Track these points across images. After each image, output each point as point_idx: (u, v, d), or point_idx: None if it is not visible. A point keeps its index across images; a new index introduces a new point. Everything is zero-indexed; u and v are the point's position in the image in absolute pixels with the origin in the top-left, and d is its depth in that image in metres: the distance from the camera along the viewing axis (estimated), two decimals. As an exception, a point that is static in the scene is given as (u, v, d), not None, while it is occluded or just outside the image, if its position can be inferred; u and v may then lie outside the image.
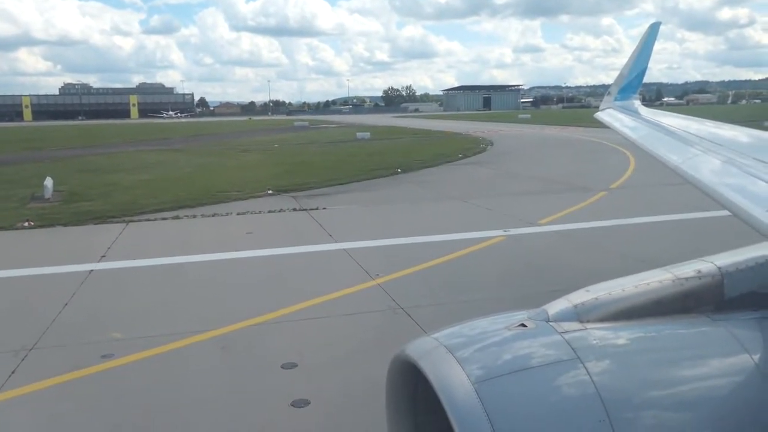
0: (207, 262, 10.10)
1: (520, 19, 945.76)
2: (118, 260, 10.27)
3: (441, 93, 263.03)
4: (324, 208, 14.95)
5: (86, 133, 73.98)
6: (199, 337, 6.72)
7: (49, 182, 18.39)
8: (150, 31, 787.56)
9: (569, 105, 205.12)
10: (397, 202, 16.28)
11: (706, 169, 3.34)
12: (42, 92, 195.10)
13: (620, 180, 18.87)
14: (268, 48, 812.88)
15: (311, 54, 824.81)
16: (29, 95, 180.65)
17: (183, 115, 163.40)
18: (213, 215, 14.55)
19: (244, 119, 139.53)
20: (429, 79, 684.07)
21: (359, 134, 47.67)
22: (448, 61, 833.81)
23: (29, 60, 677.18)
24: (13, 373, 5.91)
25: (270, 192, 17.99)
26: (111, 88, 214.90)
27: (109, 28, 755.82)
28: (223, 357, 6.26)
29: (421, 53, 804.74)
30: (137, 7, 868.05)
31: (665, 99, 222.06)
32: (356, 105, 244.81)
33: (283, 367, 5.89)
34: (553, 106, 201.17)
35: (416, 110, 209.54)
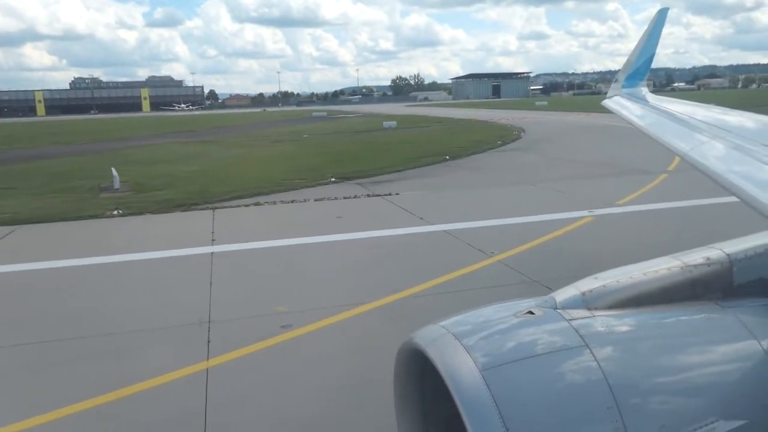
0: (318, 244, 10.57)
1: (524, 6, 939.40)
2: (230, 243, 10.74)
3: (449, 81, 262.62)
4: (397, 194, 15.38)
5: (107, 126, 74.68)
6: (364, 308, 7.18)
7: (116, 174, 18.89)
8: (154, 24, 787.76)
9: (580, 92, 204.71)
10: (466, 188, 16.71)
11: (714, 156, 3.37)
12: (48, 87, 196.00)
13: (674, 163, 19.18)
14: (272, 39, 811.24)
15: (315, 44, 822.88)
16: (42, 90, 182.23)
17: (194, 107, 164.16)
18: (291, 201, 15.01)
19: (257, 111, 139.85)
20: (434, 67, 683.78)
21: (385, 123, 48.03)
22: (453, 49, 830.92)
23: (35, 55, 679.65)
24: (209, 342, 6.41)
25: (333, 180, 18.45)
26: (121, 82, 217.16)
27: (114, 22, 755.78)
28: (392, 325, 6.71)
29: (426, 42, 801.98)
30: (138, 0, 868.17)
31: (675, 84, 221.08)
32: (365, 95, 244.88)
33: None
34: (564, 93, 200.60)
35: (425, 99, 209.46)
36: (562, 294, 2.03)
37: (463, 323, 1.95)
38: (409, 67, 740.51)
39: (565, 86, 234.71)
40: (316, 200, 15.06)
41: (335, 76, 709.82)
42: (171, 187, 18.25)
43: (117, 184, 18.39)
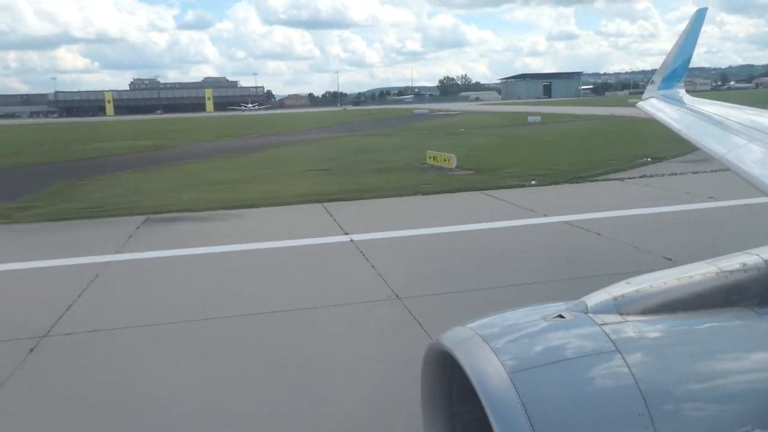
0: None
1: (553, 6, 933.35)
2: (731, 200, 12.94)
3: (498, 81, 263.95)
4: None
5: (228, 124, 78.01)
6: None
7: (453, 155, 21.14)
8: (184, 26, 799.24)
9: (635, 91, 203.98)
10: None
11: (752, 159, 3.33)
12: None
13: None
14: (300, 41, 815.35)
15: (343, 46, 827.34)
16: (111, 90, 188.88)
17: (260, 107, 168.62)
18: (672, 174, 17.28)
19: (337, 109, 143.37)
20: (461, 68, 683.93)
21: (530, 118, 50.30)
22: (481, 50, 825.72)
23: (68, 57, 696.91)
24: None
25: (649, 159, 20.66)
26: (179, 83, 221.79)
27: (146, 25, 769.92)
28: None
29: (453, 43, 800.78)
30: (170, 3, 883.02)
31: (731, 83, 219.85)
32: (417, 95, 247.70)
33: None
34: (619, 93, 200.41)
35: (477, 99, 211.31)
36: (594, 298, 2.01)
37: (491, 325, 1.93)
38: (436, 68, 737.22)
39: (619, 86, 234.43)
40: (693, 173, 17.28)
41: (362, 77, 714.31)
42: (505, 167, 20.29)
43: (454, 164, 20.78)
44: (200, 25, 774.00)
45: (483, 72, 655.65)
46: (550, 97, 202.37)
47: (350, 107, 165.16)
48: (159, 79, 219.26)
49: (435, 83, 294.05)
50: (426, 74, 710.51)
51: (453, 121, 57.85)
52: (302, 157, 28.16)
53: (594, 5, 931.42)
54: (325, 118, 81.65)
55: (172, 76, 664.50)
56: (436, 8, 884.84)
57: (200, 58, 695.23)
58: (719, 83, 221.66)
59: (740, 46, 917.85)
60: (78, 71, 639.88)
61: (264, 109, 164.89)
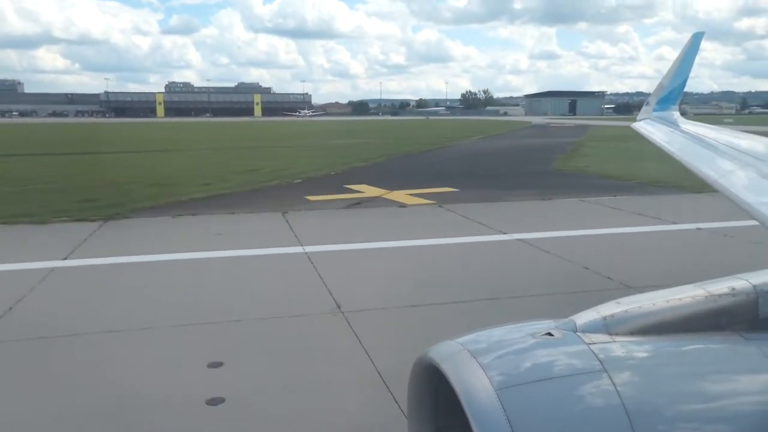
0: None
1: (537, 25, 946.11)
2: None
3: (521, 97, 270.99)
4: None
5: (365, 127, 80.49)
6: None
7: None
8: (169, 31, 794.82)
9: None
10: None
11: (744, 185, 3.43)
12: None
13: None
14: (284, 50, 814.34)
15: (327, 56, 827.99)
16: (162, 92, 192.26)
17: (315, 114, 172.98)
18: None
19: (420, 119, 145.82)
20: (443, 83, 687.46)
21: (725, 120, 55.34)
22: (464, 65, 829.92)
23: (47, 58, 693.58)
24: None
25: None
26: (213, 87, 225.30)
27: (130, 28, 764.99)
28: None
29: (437, 57, 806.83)
30: (154, 7, 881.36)
31: (751, 108, 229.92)
32: (450, 107, 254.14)
33: None
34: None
35: (505, 113, 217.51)
36: (583, 317, 2.01)
37: (479, 341, 1.94)
38: (418, 82, 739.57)
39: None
40: None
41: (345, 88, 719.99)
42: None
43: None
44: (185, 30, 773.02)
45: (467, 87, 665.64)
46: (574, 114, 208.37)
47: (384, 117, 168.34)
48: (109, 83, 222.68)
49: (417, 96, 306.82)
50: (410, 87, 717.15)
51: (616, 133, 61.43)
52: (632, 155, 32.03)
53: (576, 27, 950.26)
54: (438, 129, 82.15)
55: (153, 79, 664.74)
56: (423, 23, 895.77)
57: (183, 63, 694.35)
58: (739, 108, 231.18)
59: (717, 73, 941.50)
60: (58, 71, 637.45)
61: (318, 116, 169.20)
